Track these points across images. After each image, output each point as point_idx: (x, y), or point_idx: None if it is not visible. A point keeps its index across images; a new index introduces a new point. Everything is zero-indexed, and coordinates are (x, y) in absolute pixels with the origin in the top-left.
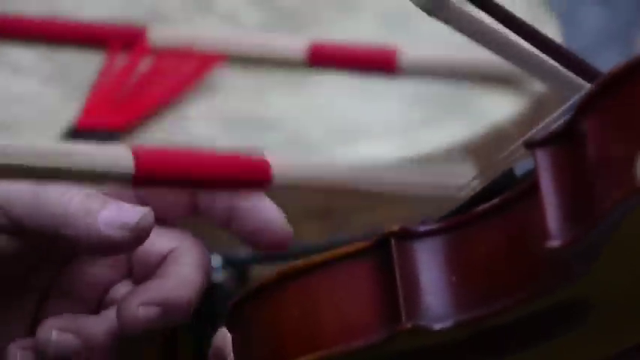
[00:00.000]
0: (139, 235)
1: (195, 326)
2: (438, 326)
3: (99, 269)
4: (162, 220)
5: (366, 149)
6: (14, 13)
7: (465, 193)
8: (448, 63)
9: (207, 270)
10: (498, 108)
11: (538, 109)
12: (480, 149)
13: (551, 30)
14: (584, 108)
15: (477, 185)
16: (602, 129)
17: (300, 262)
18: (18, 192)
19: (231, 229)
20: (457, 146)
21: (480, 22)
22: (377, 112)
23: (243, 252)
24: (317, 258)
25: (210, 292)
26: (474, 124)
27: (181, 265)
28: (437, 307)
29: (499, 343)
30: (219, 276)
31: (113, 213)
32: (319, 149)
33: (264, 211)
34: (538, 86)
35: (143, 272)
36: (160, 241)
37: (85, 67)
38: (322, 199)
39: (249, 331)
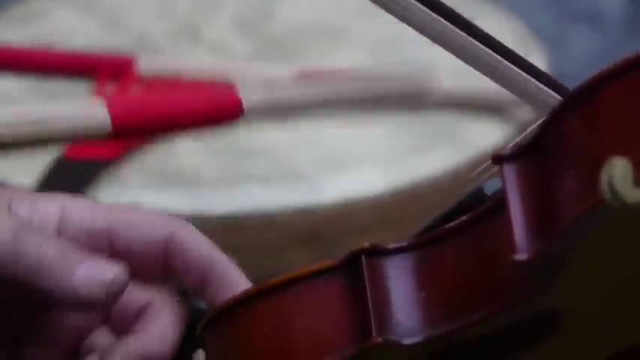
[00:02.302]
0: (114, 292)
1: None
2: (408, 341)
3: (76, 317)
4: (137, 274)
5: (353, 178)
6: (2, 42)
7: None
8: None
9: (183, 322)
10: (485, 135)
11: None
12: (467, 176)
13: (537, 56)
14: (550, 123)
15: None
16: (567, 144)
17: (272, 280)
18: None
19: (204, 295)
20: (445, 173)
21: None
22: (365, 142)
23: None
24: (288, 275)
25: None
26: (462, 152)
27: (159, 320)
28: (407, 323)
29: (473, 355)
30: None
31: (89, 269)
32: (307, 178)
33: (238, 284)
34: (523, 114)
35: (121, 322)
36: (138, 293)
37: (73, 96)
38: (308, 225)
39: (221, 347)
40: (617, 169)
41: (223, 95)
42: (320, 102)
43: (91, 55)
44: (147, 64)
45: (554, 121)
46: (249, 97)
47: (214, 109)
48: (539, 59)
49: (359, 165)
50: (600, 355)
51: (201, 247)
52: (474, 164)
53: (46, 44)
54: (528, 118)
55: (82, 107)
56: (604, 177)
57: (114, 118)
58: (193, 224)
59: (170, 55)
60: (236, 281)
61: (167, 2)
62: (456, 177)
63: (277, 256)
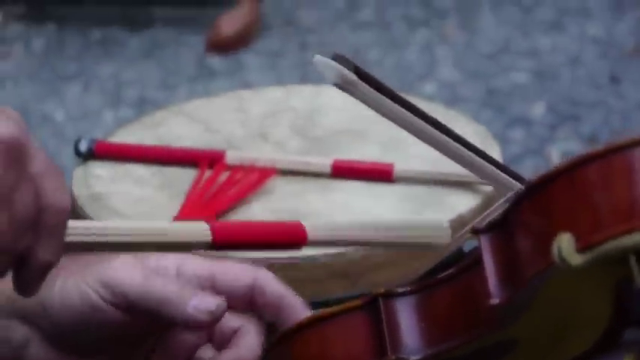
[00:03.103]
0: (216, 317)
1: None
2: (413, 358)
3: (189, 336)
4: (231, 307)
5: None
6: (136, 142)
7: (446, 238)
8: (427, 173)
9: (265, 342)
10: (461, 202)
11: (488, 202)
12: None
13: (494, 150)
14: (514, 204)
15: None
16: (526, 220)
17: (313, 314)
18: (131, 278)
19: (278, 322)
20: None
21: (381, 99)
22: (380, 207)
23: None
24: (327, 311)
25: None
26: (445, 214)
27: (248, 338)
28: (412, 345)
29: None
30: None
31: (199, 301)
32: None
33: (302, 314)
34: (488, 188)
35: (221, 340)
36: (234, 319)
37: (183, 179)
38: (343, 264)
39: None
40: (564, 241)
41: (293, 230)
42: (361, 242)
43: (194, 150)
44: (232, 156)
45: (517, 205)
46: (311, 233)
47: (286, 239)
48: (495, 152)
49: None
50: None
51: (276, 287)
52: (456, 224)
53: (165, 143)
54: (490, 192)
55: (189, 225)
56: (554, 247)
57: (214, 236)
58: (266, 267)
59: (248, 150)
60: (301, 312)
61: (246, 116)
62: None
63: (319, 287)
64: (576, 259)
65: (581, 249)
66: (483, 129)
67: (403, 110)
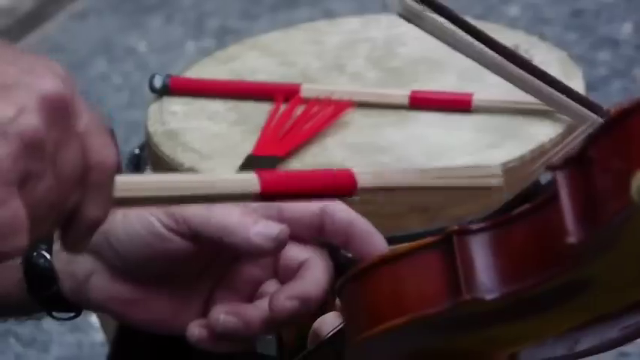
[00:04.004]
0: (279, 244)
1: None
2: (489, 297)
3: (254, 269)
4: (298, 237)
5: (449, 165)
6: (211, 78)
7: (496, 182)
8: (506, 102)
9: (332, 274)
10: (542, 132)
11: (570, 131)
12: (529, 163)
13: (577, 78)
14: (591, 140)
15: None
16: (604, 156)
17: (390, 251)
18: (194, 208)
19: (349, 249)
20: (513, 161)
21: (449, 30)
22: (457, 139)
23: None
24: (402, 248)
25: None
26: (525, 145)
27: (314, 270)
28: (487, 284)
29: (526, 309)
30: None
31: (261, 227)
32: (417, 166)
33: (374, 239)
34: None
35: (286, 274)
36: (299, 252)
37: (258, 114)
38: (421, 197)
39: (354, 299)
40: None
41: (344, 178)
42: (413, 188)
43: (269, 84)
44: (308, 90)
45: (595, 140)
46: (362, 180)
47: (337, 187)
48: (578, 79)
49: (453, 155)
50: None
51: (345, 213)
52: (536, 153)
53: (239, 77)
54: (572, 121)
55: (236, 176)
56: (634, 184)
57: (262, 186)
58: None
59: (324, 83)
60: (372, 237)
61: (322, 48)
62: (522, 163)
63: (397, 221)
64: None
65: None
66: (565, 55)
67: (475, 42)
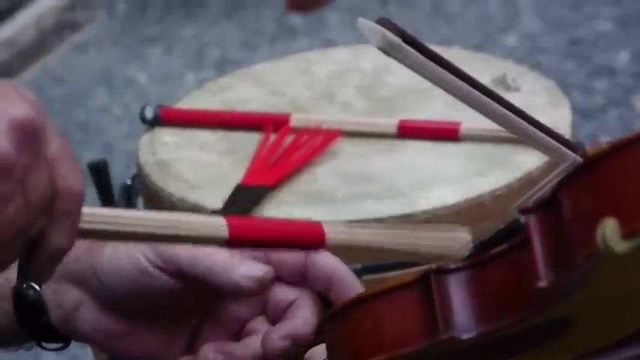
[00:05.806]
0: (264, 285)
1: None
2: (465, 336)
3: (241, 307)
4: (284, 280)
5: (437, 193)
6: (202, 109)
7: (462, 254)
8: (493, 131)
9: (320, 312)
10: (528, 160)
11: (556, 160)
12: (516, 191)
13: (565, 110)
14: (562, 185)
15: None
16: (573, 202)
17: (369, 290)
18: (181, 247)
19: (329, 295)
20: (501, 189)
21: (429, 65)
22: (445, 167)
23: None
24: (380, 287)
25: None
26: (512, 173)
27: (303, 310)
28: (464, 323)
29: (506, 347)
30: None
31: (246, 269)
32: (405, 194)
33: (352, 287)
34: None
35: (276, 313)
36: (288, 291)
37: (248, 143)
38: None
39: (335, 336)
40: (608, 227)
41: (311, 230)
42: (379, 248)
43: (259, 114)
44: (297, 119)
45: (564, 184)
46: (330, 236)
47: (305, 241)
48: (566, 108)
49: (442, 185)
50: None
51: (328, 261)
52: (524, 182)
53: (230, 108)
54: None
55: (205, 219)
56: (599, 232)
57: (231, 232)
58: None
59: (313, 112)
60: (352, 286)
61: (312, 77)
62: (509, 191)
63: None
64: (620, 245)
65: (625, 235)
66: (553, 84)
67: (451, 76)
